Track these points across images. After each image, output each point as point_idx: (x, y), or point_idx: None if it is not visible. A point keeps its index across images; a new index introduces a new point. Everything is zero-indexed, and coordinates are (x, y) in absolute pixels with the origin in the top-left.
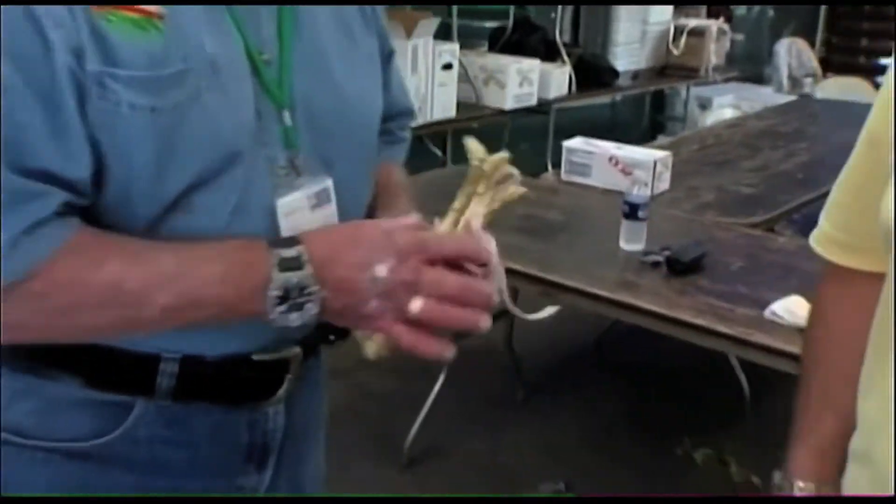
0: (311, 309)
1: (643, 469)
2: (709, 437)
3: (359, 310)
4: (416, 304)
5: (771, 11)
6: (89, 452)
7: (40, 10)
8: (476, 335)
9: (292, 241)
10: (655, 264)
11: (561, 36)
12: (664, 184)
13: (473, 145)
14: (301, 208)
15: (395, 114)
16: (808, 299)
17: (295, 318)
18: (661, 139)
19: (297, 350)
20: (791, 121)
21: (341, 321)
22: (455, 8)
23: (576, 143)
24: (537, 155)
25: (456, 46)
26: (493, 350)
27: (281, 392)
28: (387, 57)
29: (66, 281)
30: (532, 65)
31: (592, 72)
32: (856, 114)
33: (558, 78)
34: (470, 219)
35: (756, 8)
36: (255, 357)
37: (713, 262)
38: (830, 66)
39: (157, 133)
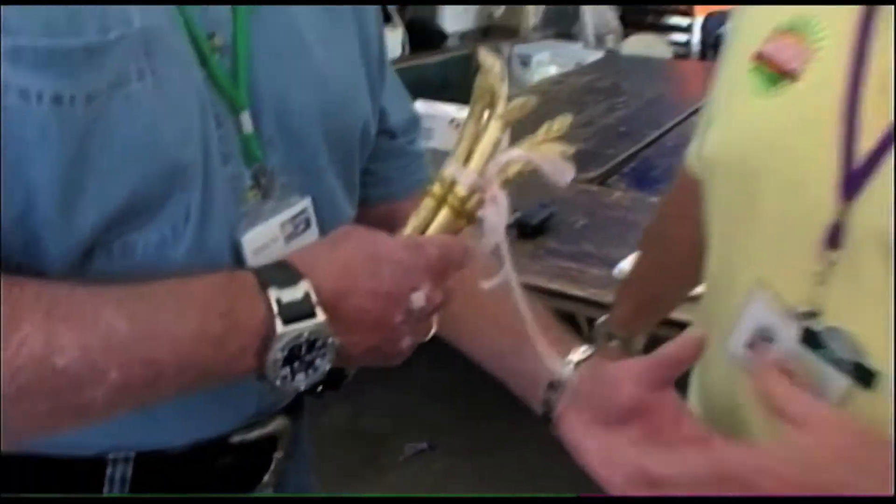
0: (324, 366)
1: (503, 422)
2: None
3: (386, 351)
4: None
5: None
6: None
7: None
8: None
9: (291, 273)
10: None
11: None
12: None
13: (492, 60)
14: (274, 240)
15: (404, 125)
16: None
17: (301, 380)
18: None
19: (284, 421)
20: (606, 76)
21: (358, 363)
22: None
23: (417, 106)
24: None
25: None
26: None
27: (267, 477)
28: (381, 57)
29: None
30: None
31: (423, 33)
32: (656, 69)
33: (392, 40)
34: (492, 170)
35: None
36: (233, 439)
37: (559, 223)
38: (627, 24)
39: (64, 135)
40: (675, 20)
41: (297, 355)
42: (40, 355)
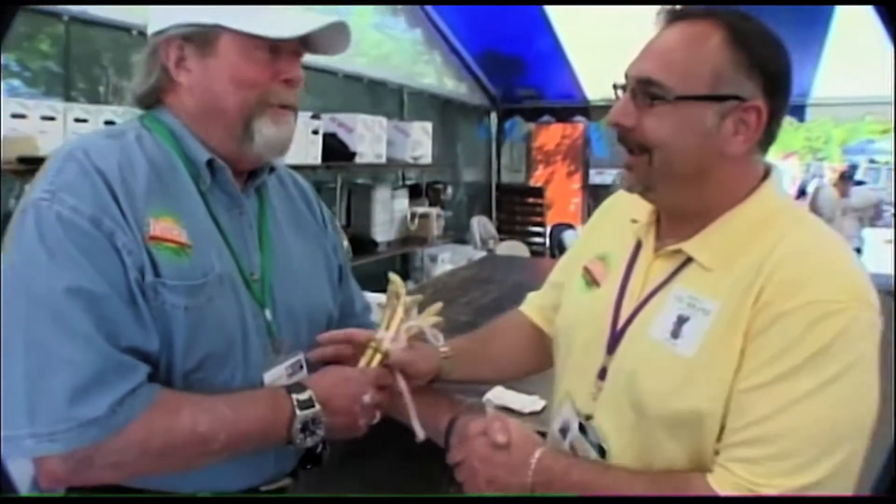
0: (320, 433)
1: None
2: None
3: (351, 426)
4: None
5: (466, 199)
6: None
7: (119, 242)
8: None
9: (303, 388)
10: None
11: (340, 220)
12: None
13: (396, 278)
14: (280, 377)
15: (362, 309)
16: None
17: (309, 441)
18: (411, 284)
19: (290, 481)
20: (485, 270)
21: (337, 435)
22: None
23: None
24: None
25: None
26: None
27: None
28: (342, 270)
29: (159, 429)
30: None
31: (361, 243)
32: (518, 263)
33: None
34: (400, 333)
35: (458, 196)
36: (261, 488)
37: None
38: (501, 231)
39: (187, 323)
40: (534, 229)
41: (306, 427)
42: (187, 429)
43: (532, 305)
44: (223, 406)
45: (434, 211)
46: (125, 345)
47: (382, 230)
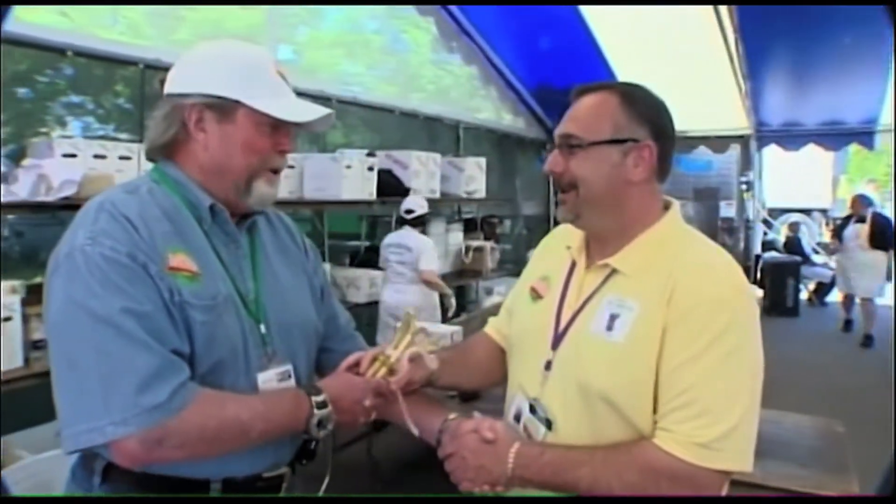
0: (330, 427)
1: None
2: None
3: (354, 421)
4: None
5: (525, 232)
6: None
7: (152, 271)
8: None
9: (319, 391)
10: None
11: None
12: None
13: (411, 311)
14: (271, 380)
15: (345, 322)
16: None
17: (322, 433)
18: (464, 316)
19: (287, 469)
20: None
21: (343, 426)
22: (326, 236)
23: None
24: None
25: (328, 265)
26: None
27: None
28: (323, 289)
29: (211, 415)
30: (376, 274)
31: None
32: None
33: None
34: (404, 354)
35: (517, 229)
36: (264, 475)
37: None
38: None
39: (204, 334)
40: None
41: (321, 422)
42: (232, 417)
43: (492, 327)
44: (257, 402)
45: (488, 245)
46: (170, 348)
47: (438, 264)
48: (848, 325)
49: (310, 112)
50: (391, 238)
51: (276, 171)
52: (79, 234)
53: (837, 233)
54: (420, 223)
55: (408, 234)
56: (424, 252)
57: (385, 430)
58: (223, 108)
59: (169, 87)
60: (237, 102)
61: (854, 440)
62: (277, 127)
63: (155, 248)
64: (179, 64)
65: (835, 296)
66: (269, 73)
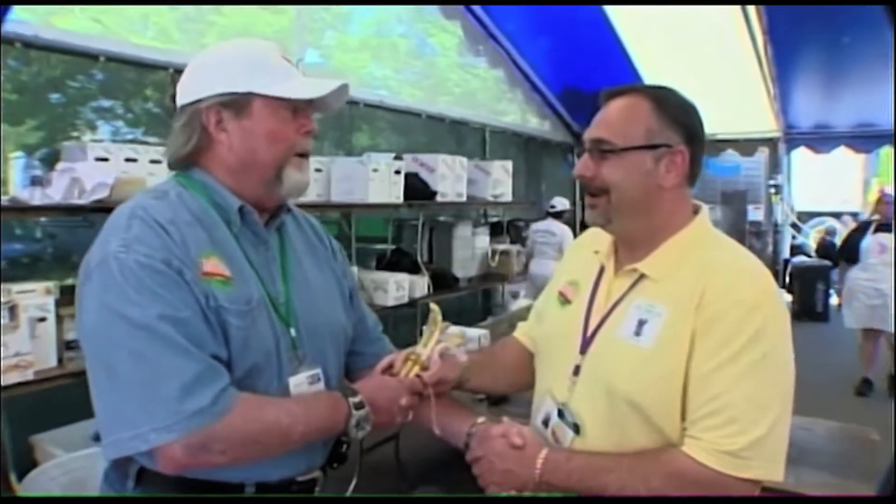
0: (368, 427)
1: None
2: None
3: (392, 421)
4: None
5: None
6: None
7: (187, 276)
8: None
9: (355, 392)
10: None
11: (421, 257)
12: None
13: (435, 307)
14: (302, 383)
15: (374, 324)
16: None
17: (360, 433)
18: (490, 319)
19: (319, 473)
20: None
21: (379, 428)
22: (353, 239)
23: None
24: (410, 336)
25: (355, 268)
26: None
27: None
28: (351, 292)
29: (252, 419)
30: (403, 277)
31: (442, 279)
32: None
33: (420, 284)
34: (434, 350)
35: None
36: (297, 479)
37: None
38: None
39: (239, 339)
40: None
41: (359, 423)
42: (273, 420)
43: (521, 331)
44: (295, 405)
45: (515, 248)
46: (210, 353)
47: (463, 266)
48: None
49: (323, 87)
50: (539, 225)
51: (303, 156)
52: (111, 242)
53: (850, 246)
54: (560, 216)
55: (552, 223)
56: (567, 237)
57: (412, 433)
58: (238, 103)
59: (182, 98)
60: (251, 94)
61: (888, 448)
62: (296, 109)
63: (188, 253)
64: (186, 74)
65: None
66: (275, 59)
